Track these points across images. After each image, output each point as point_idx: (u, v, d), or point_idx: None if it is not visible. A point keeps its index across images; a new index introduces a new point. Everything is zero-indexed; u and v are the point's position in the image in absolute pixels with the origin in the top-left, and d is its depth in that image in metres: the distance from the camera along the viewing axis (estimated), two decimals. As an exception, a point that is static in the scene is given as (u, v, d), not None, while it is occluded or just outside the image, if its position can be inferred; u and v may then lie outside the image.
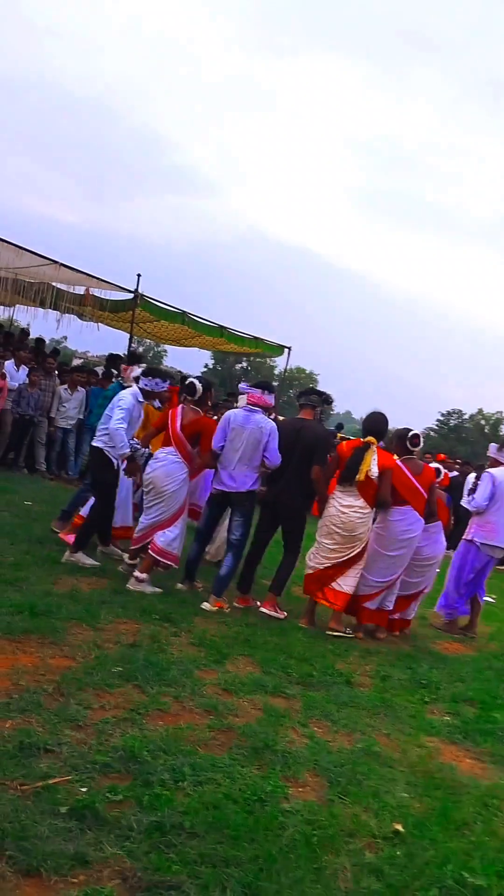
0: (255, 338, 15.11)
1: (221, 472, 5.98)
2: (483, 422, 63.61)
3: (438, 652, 6.21)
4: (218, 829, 2.59)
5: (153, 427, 6.42)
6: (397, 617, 6.50)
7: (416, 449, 6.44)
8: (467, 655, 6.30)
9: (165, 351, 57.50)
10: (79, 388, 11.41)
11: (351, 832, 2.83)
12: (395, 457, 6.21)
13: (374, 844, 2.79)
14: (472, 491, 7.47)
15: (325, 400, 6.60)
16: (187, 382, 6.18)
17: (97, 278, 11.20)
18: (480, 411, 65.30)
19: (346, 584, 5.91)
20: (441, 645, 6.52)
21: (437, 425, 64.09)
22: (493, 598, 9.58)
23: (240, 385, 6.51)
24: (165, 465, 5.86)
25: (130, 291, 11.59)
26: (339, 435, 13.13)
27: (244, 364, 60.68)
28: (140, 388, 6.17)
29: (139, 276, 11.64)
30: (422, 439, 6.62)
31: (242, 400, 6.13)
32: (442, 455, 13.36)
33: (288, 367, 19.58)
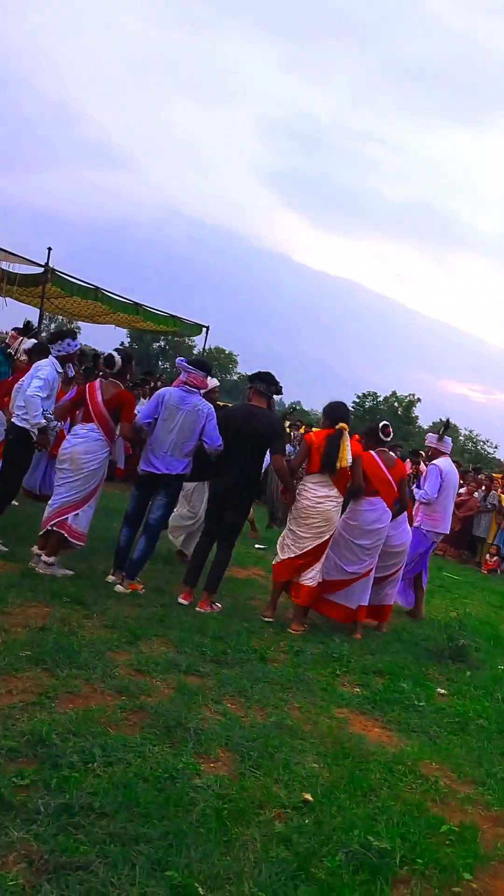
0: (173, 316, 14.98)
1: (150, 454, 5.73)
2: (396, 404, 65.19)
3: (350, 626, 6.35)
4: (128, 808, 2.59)
5: (70, 402, 6.24)
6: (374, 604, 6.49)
7: (388, 440, 6.42)
8: (378, 630, 6.48)
9: (79, 328, 56.28)
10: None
11: (261, 804, 2.88)
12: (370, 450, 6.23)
13: (283, 814, 2.85)
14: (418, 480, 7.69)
15: (278, 390, 6.16)
16: (106, 355, 5.98)
17: (4, 251, 10.82)
18: (394, 394, 66.92)
19: (309, 577, 5.82)
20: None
21: (353, 407, 65.32)
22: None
23: (178, 360, 6.25)
24: (86, 441, 5.65)
25: (40, 265, 11.26)
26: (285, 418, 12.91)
27: (161, 343, 60.07)
28: (55, 356, 6.03)
29: (49, 249, 11.32)
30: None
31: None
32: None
33: (206, 347, 19.50)
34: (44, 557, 5.55)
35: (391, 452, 6.56)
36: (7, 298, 12.67)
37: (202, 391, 5.88)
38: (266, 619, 5.77)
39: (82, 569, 5.84)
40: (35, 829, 2.36)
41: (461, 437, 59.03)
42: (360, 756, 3.54)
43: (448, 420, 8.42)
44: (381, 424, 6.40)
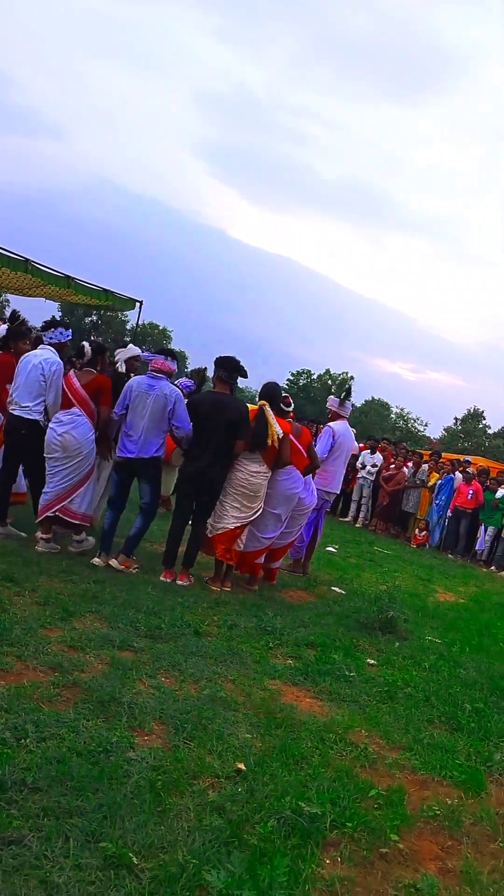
0: (105, 290, 14.68)
1: (125, 439, 6.01)
2: (330, 382, 65.92)
3: (283, 600, 6.46)
4: (62, 783, 2.59)
5: None
6: (273, 566, 6.97)
7: (289, 409, 6.77)
8: (310, 602, 6.61)
9: (8, 301, 54.77)
10: None
11: (195, 774, 2.92)
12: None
13: (217, 784, 2.90)
14: None
15: (242, 375, 6.33)
16: (79, 346, 6.30)
17: None
18: (328, 371, 67.64)
19: (241, 542, 6.35)
20: (286, 593, 6.78)
21: (287, 384, 65.74)
22: (334, 548, 10.11)
23: (142, 354, 6.52)
24: (75, 426, 5.89)
25: (-32, 236, 10.87)
26: None
27: (94, 317, 59.01)
28: (48, 344, 6.10)
29: (-23, 219, 10.93)
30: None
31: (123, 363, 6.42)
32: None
33: (140, 322, 19.26)
34: (41, 535, 5.89)
35: (296, 422, 7.10)
36: None
37: (167, 375, 6.15)
38: (223, 590, 6.18)
39: (13, 546, 5.74)
40: (-34, 806, 2.34)
41: (393, 416, 60.20)
42: (292, 726, 3.62)
43: (350, 387, 8.97)
44: (281, 395, 6.71)
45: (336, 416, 7.89)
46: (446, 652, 5.78)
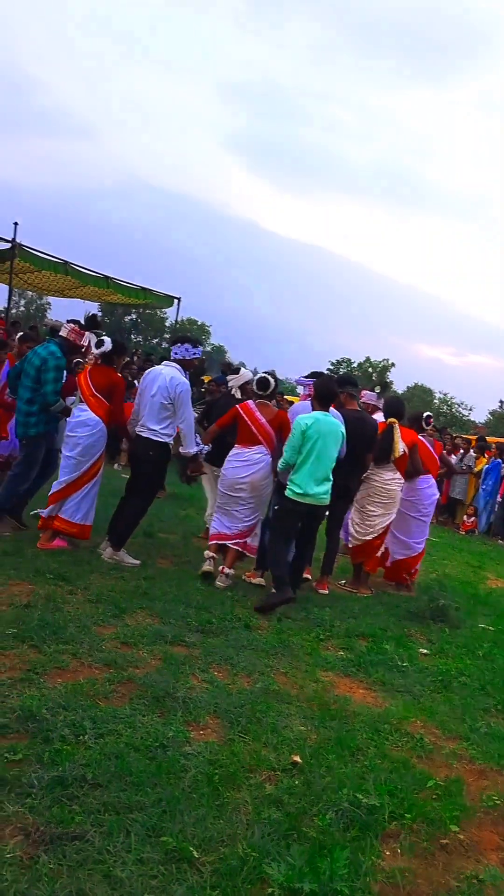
0: (143, 288, 14.81)
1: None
2: (371, 370, 65.35)
3: (333, 592, 6.43)
4: (120, 778, 2.63)
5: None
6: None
7: (429, 427, 7.55)
8: (358, 594, 6.56)
9: (49, 303, 55.56)
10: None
11: (251, 768, 2.93)
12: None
13: (273, 777, 2.91)
14: None
15: (354, 385, 7.00)
16: (97, 339, 6.04)
17: (-30, 228, 10.61)
18: (368, 359, 67.03)
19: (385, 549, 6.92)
20: (334, 586, 6.76)
21: (327, 373, 65.24)
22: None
23: (297, 380, 6.61)
24: (261, 465, 5.94)
25: (7, 241, 11.06)
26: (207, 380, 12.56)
27: (133, 316, 59.46)
28: (174, 360, 5.90)
29: (16, 224, 11.11)
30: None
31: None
32: None
33: (179, 319, 19.34)
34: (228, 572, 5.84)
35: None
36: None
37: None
38: (364, 595, 6.49)
39: (65, 546, 5.83)
40: (30, 803, 2.39)
41: (436, 401, 59.42)
42: (347, 717, 3.61)
43: (386, 380, 9.25)
44: (425, 415, 7.37)
45: (375, 410, 7.67)
46: (500, 639, 5.70)
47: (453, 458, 14.34)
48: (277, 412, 6.12)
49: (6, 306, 13.83)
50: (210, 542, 6.02)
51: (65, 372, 6.08)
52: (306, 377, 6.46)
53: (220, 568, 5.79)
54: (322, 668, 4.30)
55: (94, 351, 6.00)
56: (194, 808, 2.54)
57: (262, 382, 6.03)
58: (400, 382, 62.38)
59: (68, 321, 6.24)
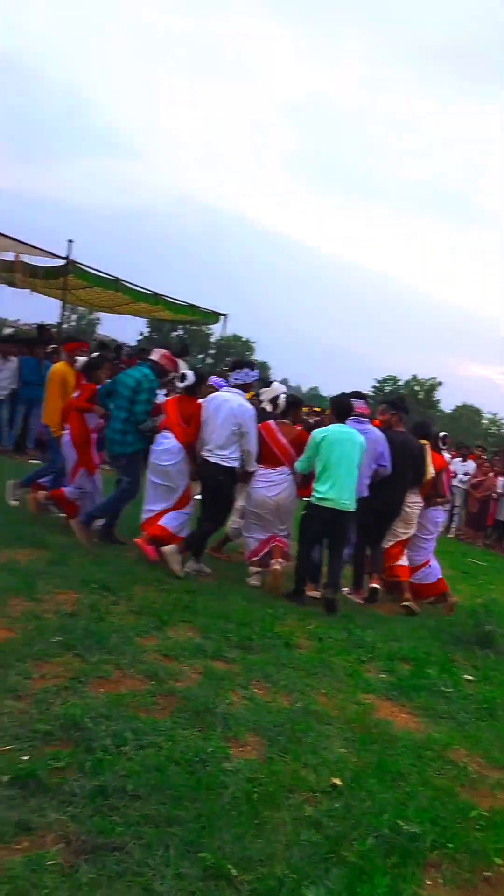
0: (191, 305, 14.96)
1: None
2: (417, 388, 64.84)
3: (374, 612, 6.37)
4: (160, 791, 2.63)
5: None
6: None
7: (444, 447, 7.85)
8: (402, 615, 6.48)
9: (99, 319, 56.50)
10: (11, 357, 11.09)
11: (291, 788, 2.91)
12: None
13: (313, 798, 2.88)
14: None
15: (406, 410, 7.28)
16: (181, 373, 6.44)
17: (27, 244, 10.86)
18: (415, 377, 66.53)
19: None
20: (377, 606, 6.69)
21: (372, 392, 65.09)
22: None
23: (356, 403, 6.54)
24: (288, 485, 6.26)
25: (62, 258, 11.30)
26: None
27: (180, 332, 60.11)
28: (234, 384, 6.12)
29: (70, 241, 11.35)
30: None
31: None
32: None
33: (224, 335, 19.47)
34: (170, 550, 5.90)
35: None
36: (31, 292, 12.74)
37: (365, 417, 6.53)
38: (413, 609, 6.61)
39: (108, 556, 5.89)
40: (71, 811, 2.41)
41: (484, 421, 58.55)
42: (388, 741, 3.56)
43: (402, 395, 9.42)
44: (441, 434, 7.60)
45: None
46: (547, 669, 5.55)
47: (500, 481, 14.11)
48: (299, 432, 6.33)
49: (59, 321, 14.09)
50: (251, 559, 6.28)
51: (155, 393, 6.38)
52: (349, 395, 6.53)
53: (272, 562, 6.10)
54: (363, 690, 4.25)
55: (179, 385, 6.36)
56: (233, 826, 2.52)
57: (274, 401, 6.41)
58: (447, 402, 61.78)
59: (158, 347, 6.68)
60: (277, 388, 7.08)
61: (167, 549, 5.81)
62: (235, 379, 6.14)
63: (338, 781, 3.02)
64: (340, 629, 5.39)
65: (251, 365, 6.39)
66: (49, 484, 6.93)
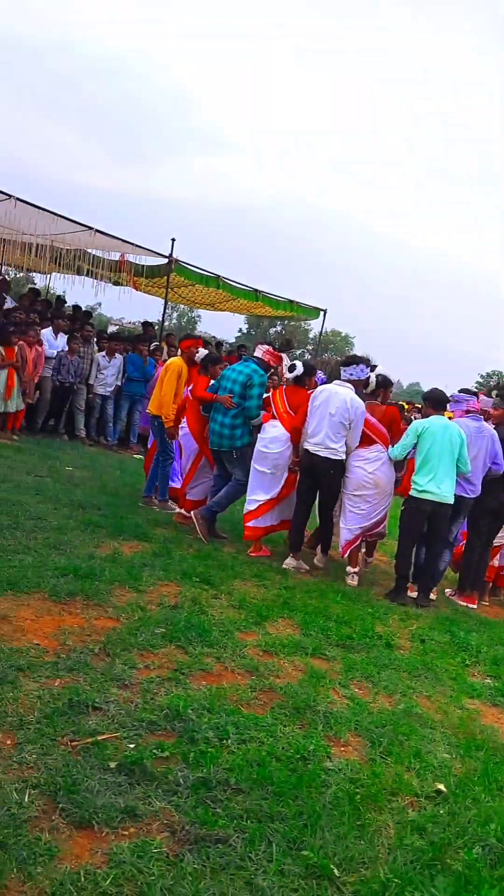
0: (290, 301, 14.98)
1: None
2: (524, 384, 62.48)
3: (478, 615, 6.19)
4: (262, 786, 2.64)
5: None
6: None
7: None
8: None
9: (199, 316, 57.39)
10: (116, 354, 11.44)
11: (393, 791, 2.86)
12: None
13: (416, 803, 2.82)
14: None
15: None
16: (290, 364, 6.61)
17: (132, 244, 11.17)
18: (522, 372, 64.02)
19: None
20: (482, 609, 6.50)
21: (476, 387, 63.14)
22: None
23: (454, 395, 6.58)
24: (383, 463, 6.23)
25: (165, 256, 11.55)
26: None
27: (279, 328, 60.25)
28: (346, 380, 6.15)
29: (174, 240, 11.58)
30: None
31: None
32: None
33: (324, 331, 19.37)
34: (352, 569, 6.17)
35: None
36: (135, 290, 13.11)
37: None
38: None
39: (208, 550, 5.98)
40: (176, 801, 2.46)
41: None
42: (494, 749, 3.45)
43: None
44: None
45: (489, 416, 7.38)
46: None
47: None
48: (386, 408, 6.35)
49: (160, 319, 14.43)
50: (345, 555, 6.30)
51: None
52: (460, 392, 6.46)
53: (359, 559, 6.21)
54: (468, 694, 4.13)
55: (288, 375, 6.52)
56: (335, 826, 2.51)
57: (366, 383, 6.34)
58: None
59: (261, 343, 6.84)
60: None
61: (319, 562, 6.22)
62: (351, 375, 6.15)
63: (442, 787, 2.95)
64: (443, 631, 5.26)
65: (366, 361, 6.37)
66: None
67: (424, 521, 6.02)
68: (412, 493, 6.01)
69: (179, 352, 7.59)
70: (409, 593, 6.07)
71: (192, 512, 6.52)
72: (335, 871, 2.27)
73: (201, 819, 2.38)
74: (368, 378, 6.36)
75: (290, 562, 6.12)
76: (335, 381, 6.22)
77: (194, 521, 6.32)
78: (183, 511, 6.80)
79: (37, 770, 2.48)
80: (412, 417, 14.47)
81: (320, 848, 2.36)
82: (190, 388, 7.04)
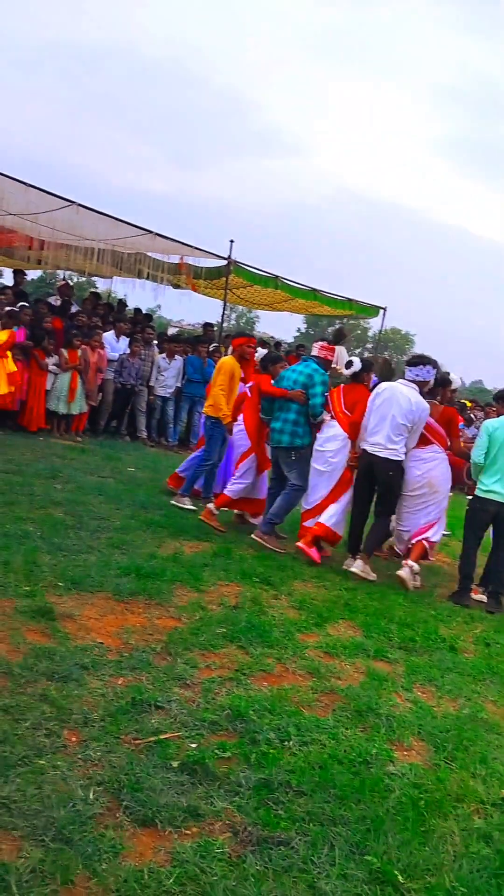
0: (349, 299, 14.85)
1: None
2: None
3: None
4: (324, 789, 2.63)
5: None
6: None
7: None
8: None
9: (258, 316, 57.50)
10: (176, 356, 11.55)
11: (458, 797, 2.81)
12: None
13: (482, 810, 2.76)
14: None
15: None
16: (347, 360, 6.55)
17: (191, 246, 11.26)
18: None
19: None
20: None
21: (541, 385, 61.51)
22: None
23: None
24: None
25: (223, 258, 11.60)
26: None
27: (337, 326, 59.90)
28: (412, 381, 5.94)
29: (232, 242, 11.62)
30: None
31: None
32: None
33: (383, 329, 19.14)
34: (412, 564, 5.86)
35: None
36: (193, 292, 13.23)
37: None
38: None
39: (268, 551, 5.98)
40: (238, 801, 2.46)
41: None
42: None
43: None
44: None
45: None
46: None
47: None
48: (444, 408, 6.19)
49: (220, 320, 14.50)
50: (404, 551, 6.21)
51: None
52: None
53: (404, 561, 5.93)
54: (535, 700, 4.02)
55: (345, 372, 6.45)
56: (399, 831, 2.47)
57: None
58: None
59: (317, 340, 6.72)
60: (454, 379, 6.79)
61: (358, 569, 5.82)
62: (417, 375, 5.95)
63: (509, 795, 2.88)
64: (509, 634, 5.13)
65: (434, 363, 6.11)
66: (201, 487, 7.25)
67: (489, 522, 5.90)
68: (477, 492, 5.94)
69: (230, 349, 7.58)
70: (474, 595, 5.94)
71: (252, 534, 6.27)
72: (399, 877, 2.24)
73: (263, 820, 2.38)
74: (352, 362, 6.34)
75: (358, 564, 5.89)
76: (399, 381, 6.04)
77: (261, 543, 6.10)
78: (211, 507, 6.55)
79: (101, 767, 2.52)
80: (472, 416, 14.15)
81: (384, 853, 2.33)
82: (249, 385, 7.03)
